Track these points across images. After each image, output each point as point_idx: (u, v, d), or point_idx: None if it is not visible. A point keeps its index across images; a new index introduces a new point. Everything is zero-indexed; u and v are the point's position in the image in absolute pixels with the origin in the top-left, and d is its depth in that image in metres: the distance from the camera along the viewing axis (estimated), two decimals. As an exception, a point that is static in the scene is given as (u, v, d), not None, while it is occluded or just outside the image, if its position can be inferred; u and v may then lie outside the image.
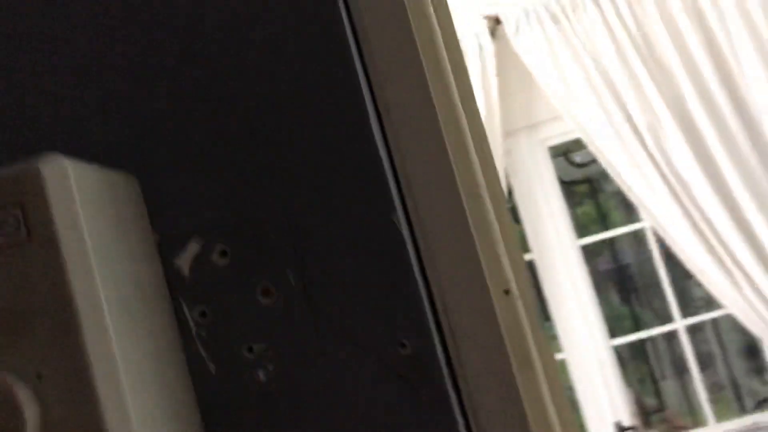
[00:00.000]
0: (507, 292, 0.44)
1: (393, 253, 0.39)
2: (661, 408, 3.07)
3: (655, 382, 3.08)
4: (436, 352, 0.39)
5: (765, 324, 2.39)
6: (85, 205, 0.34)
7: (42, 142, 0.41)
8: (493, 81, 2.48)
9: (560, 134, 2.72)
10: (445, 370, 0.39)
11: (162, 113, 0.41)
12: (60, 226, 0.33)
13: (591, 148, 2.54)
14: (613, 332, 2.70)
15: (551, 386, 0.44)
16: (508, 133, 2.59)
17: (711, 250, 2.40)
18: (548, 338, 0.45)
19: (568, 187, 3.06)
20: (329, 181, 0.40)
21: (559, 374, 0.45)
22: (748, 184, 2.35)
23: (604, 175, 2.80)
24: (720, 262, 2.40)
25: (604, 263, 3.16)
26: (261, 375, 0.39)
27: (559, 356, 2.59)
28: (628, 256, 3.17)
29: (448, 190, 0.42)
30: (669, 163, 2.42)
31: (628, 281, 3.16)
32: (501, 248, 0.44)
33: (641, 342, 3.06)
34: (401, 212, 0.40)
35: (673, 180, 2.41)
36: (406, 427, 0.38)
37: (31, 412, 0.31)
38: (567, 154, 3.00)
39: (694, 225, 2.41)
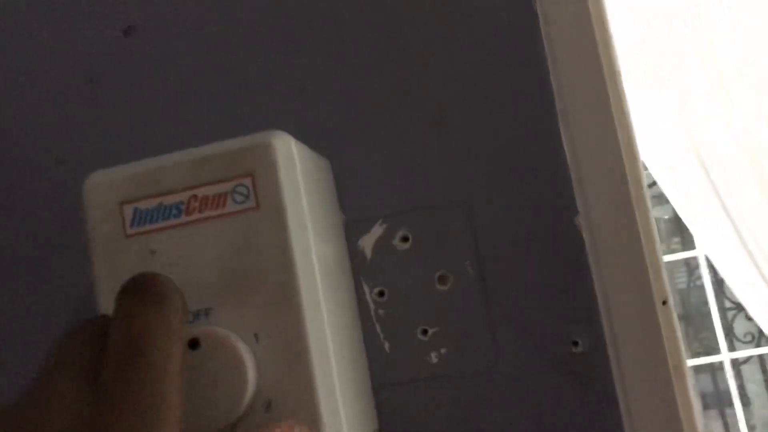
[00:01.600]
0: (665, 302, 0.45)
1: (571, 254, 0.41)
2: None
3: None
4: (608, 353, 0.40)
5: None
6: (304, 179, 0.36)
7: (248, 122, 0.43)
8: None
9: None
10: (614, 371, 0.40)
11: (355, 103, 0.43)
12: (286, 197, 0.35)
13: (651, 170, 2.52)
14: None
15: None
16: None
17: (766, 282, 2.37)
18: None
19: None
20: (515, 179, 0.41)
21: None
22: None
23: (659, 200, 2.78)
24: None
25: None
26: (433, 357, 0.41)
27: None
28: (678, 284, 3.14)
29: (621, 197, 0.43)
30: (729, 191, 2.39)
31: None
32: (661, 259, 0.45)
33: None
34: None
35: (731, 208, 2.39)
36: (573, 423, 0.40)
37: (250, 370, 0.33)
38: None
39: (750, 256, 2.38)
